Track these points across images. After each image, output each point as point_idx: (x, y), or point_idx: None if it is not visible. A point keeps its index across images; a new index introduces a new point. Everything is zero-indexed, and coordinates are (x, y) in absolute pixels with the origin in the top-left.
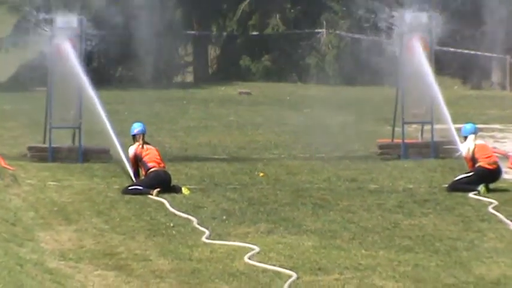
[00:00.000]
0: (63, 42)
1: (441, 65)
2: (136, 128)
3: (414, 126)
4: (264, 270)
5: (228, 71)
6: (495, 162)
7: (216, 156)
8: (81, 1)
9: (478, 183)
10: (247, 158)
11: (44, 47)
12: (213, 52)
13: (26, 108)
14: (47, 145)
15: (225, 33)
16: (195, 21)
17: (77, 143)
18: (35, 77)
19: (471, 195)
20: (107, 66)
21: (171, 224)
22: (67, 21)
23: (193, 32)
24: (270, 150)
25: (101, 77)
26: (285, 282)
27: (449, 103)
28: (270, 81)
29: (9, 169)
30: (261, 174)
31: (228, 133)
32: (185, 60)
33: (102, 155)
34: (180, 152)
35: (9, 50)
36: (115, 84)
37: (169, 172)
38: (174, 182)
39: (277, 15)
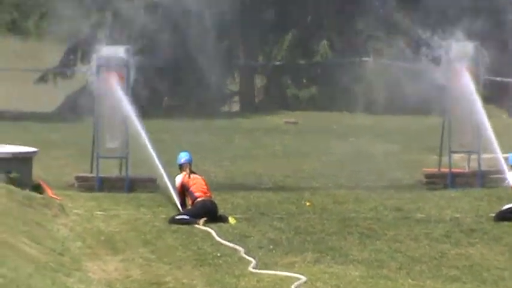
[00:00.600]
0: (110, 72)
1: (488, 94)
2: (183, 157)
3: (461, 155)
4: None
5: (275, 100)
6: None
7: (262, 186)
8: (128, 31)
9: None
10: (294, 187)
11: (91, 77)
12: (259, 81)
13: (73, 138)
14: (94, 175)
15: (271, 63)
16: (242, 50)
17: (123, 173)
18: (82, 107)
19: None
20: (153, 96)
21: (218, 254)
22: (114, 50)
23: (240, 61)
24: (316, 179)
25: (147, 107)
26: None
27: (497, 132)
28: (316, 110)
29: (56, 199)
30: (308, 203)
31: (273, 162)
32: (232, 90)
33: (148, 184)
34: (226, 181)
35: (56, 80)
36: (161, 113)
37: (216, 201)
38: (220, 211)
39: (325, 44)
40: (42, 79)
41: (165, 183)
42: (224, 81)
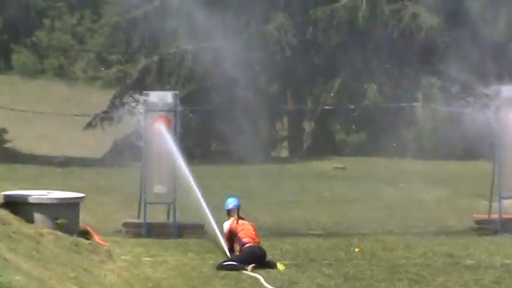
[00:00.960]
0: (157, 118)
1: None
2: (231, 203)
3: (511, 201)
4: None
5: (323, 145)
6: None
7: (310, 231)
8: (176, 77)
9: None
10: (342, 233)
11: (138, 123)
12: (308, 126)
13: (121, 184)
14: (141, 220)
15: (320, 107)
16: (290, 95)
17: (171, 219)
18: (129, 153)
19: None
20: (202, 141)
21: None
22: (161, 96)
23: (288, 106)
24: (365, 225)
25: (195, 152)
26: None
27: None
28: (364, 156)
29: (104, 245)
30: (357, 249)
31: (322, 208)
32: (281, 135)
33: (196, 230)
34: (275, 227)
35: (104, 126)
36: (209, 158)
37: (264, 247)
38: (268, 257)
39: (374, 89)
40: (90, 124)
41: (213, 228)
42: (273, 126)
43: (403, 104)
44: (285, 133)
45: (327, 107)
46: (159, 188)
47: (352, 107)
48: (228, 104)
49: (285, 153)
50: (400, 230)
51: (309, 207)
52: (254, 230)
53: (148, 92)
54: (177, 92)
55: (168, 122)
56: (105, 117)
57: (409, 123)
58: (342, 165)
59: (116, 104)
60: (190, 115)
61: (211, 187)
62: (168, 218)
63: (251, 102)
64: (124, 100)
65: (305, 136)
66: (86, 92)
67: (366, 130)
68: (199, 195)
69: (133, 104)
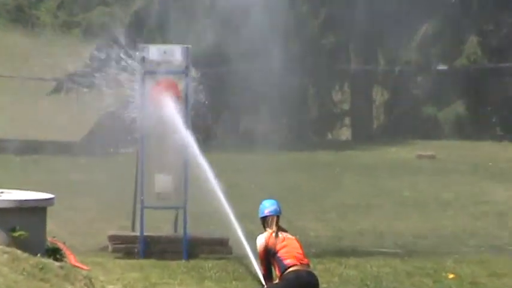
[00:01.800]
0: (160, 85)
1: None
2: (267, 208)
3: None
4: None
5: (402, 124)
6: None
7: (384, 249)
8: (186, 27)
9: None
10: (430, 252)
11: (132, 92)
12: (379, 96)
13: (107, 179)
14: (136, 233)
15: (397, 69)
16: (354, 50)
17: (180, 230)
18: (119, 135)
19: None
20: (221, 121)
21: None
22: (166, 51)
23: (349, 67)
24: (463, 240)
25: (211, 136)
26: None
27: None
28: (463, 139)
29: (82, 268)
30: (451, 275)
31: (401, 215)
32: (340, 108)
33: (216, 247)
34: (332, 243)
35: (81, 94)
36: (235, 141)
37: (316, 273)
38: (322, 286)
39: (475, 41)
40: (60, 90)
41: (242, 245)
42: (328, 95)
43: None
44: (346, 106)
45: (407, 68)
46: (162, 186)
47: (444, 67)
48: (257, 64)
49: (345, 134)
50: None
51: (382, 214)
52: (301, 248)
53: (146, 45)
54: (190, 46)
55: (175, 90)
56: (83, 82)
57: None
58: (429, 153)
59: (98, 62)
60: (207, 80)
61: (237, 185)
62: (175, 229)
63: (295, 61)
64: (111, 57)
65: (376, 110)
66: (55, 46)
67: (464, 101)
68: (220, 196)
69: (124, 63)
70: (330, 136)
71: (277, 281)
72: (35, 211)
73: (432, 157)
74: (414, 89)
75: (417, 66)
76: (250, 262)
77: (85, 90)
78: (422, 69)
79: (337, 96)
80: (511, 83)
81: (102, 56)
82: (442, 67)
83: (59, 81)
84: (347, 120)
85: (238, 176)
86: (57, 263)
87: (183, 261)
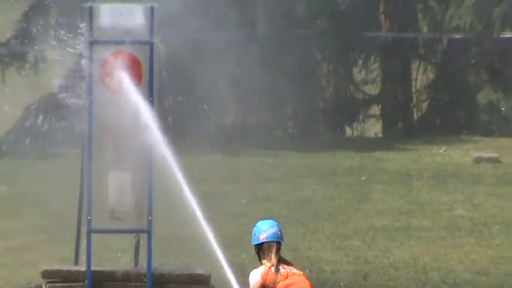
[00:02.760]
0: (117, 56)
1: None
2: (264, 231)
3: None
4: None
5: (453, 115)
6: None
7: None
8: None
9: None
10: None
11: (75, 68)
12: (420, 76)
13: (40, 192)
14: (81, 268)
15: (445, 37)
16: (386, 13)
17: (143, 263)
18: (54, 132)
19: None
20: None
21: None
22: (122, 12)
23: (381, 36)
24: None
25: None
26: None
27: None
28: None
29: None
30: None
31: (452, 242)
32: (366, 94)
33: (194, 286)
34: (355, 281)
35: (5, 73)
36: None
37: None
38: None
39: None
40: None
41: (229, 283)
42: (347, 73)
43: None
44: (373, 90)
45: (455, 36)
46: (118, 201)
47: (508, 34)
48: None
49: (374, 129)
50: None
51: (423, 241)
52: (311, 287)
53: (95, 4)
54: (155, 5)
55: (135, 66)
56: (9, 57)
57: None
58: (491, 154)
59: (27, 30)
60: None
61: (224, 199)
62: (136, 261)
63: (301, 25)
64: (47, 21)
65: (416, 96)
66: None
67: None
68: (199, 215)
69: (63, 31)
70: (350, 132)
71: None
72: None
73: (495, 160)
74: (469, 67)
75: (473, 33)
76: None
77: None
78: (480, 37)
79: (360, 76)
80: None
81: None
82: (508, 34)
83: None
84: (375, 110)
85: (224, 186)
86: None
87: None
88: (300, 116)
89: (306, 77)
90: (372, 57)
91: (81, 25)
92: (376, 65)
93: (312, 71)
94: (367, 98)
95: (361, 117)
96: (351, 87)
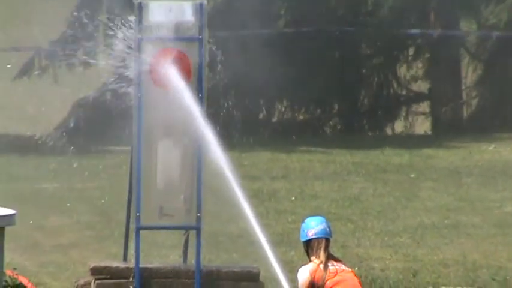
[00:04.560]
0: (165, 53)
1: None
2: (313, 228)
3: None
4: None
5: (504, 112)
6: None
7: None
8: None
9: None
10: None
11: (124, 66)
12: (470, 73)
13: (87, 189)
14: (130, 264)
15: (495, 34)
16: (435, 8)
17: (191, 260)
18: (103, 129)
19: None
20: (242, 105)
21: None
22: (172, 9)
23: (429, 32)
24: None
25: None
26: None
27: None
28: None
29: None
30: None
31: (502, 240)
32: (411, 90)
33: (243, 284)
34: (404, 278)
35: (54, 73)
36: (271, 131)
37: None
38: None
39: None
40: (26, 72)
41: (278, 280)
42: (391, 71)
43: None
44: (424, 86)
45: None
46: (167, 197)
47: None
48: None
49: (424, 126)
50: None
51: (475, 238)
52: (360, 285)
53: (144, 1)
54: (205, 2)
55: (185, 64)
56: (54, 56)
57: None
58: None
59: (77, 28)
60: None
61: (274, 194)
62: (185, 258)
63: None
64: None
65: (466, 93)
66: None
67: None
68: (248, 212)
69: (113, 27)
70: (399, 129)
71: None
72: None
73: None
74: None
75: None
76: None
77: (61, 67)
78: None
79: (409, 73)
80: None
81: (85, 20)
82: None
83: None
84: (424, 107)
85: (273, 183)
86: None
87: None
88: (346, 113)
89: (352, 73)
90: (420, 54)
91: (130, 22)
92: (424, 62)
93: (357, 68)
94: (413, 95)
95: (409, 115)
96: (396, 84)
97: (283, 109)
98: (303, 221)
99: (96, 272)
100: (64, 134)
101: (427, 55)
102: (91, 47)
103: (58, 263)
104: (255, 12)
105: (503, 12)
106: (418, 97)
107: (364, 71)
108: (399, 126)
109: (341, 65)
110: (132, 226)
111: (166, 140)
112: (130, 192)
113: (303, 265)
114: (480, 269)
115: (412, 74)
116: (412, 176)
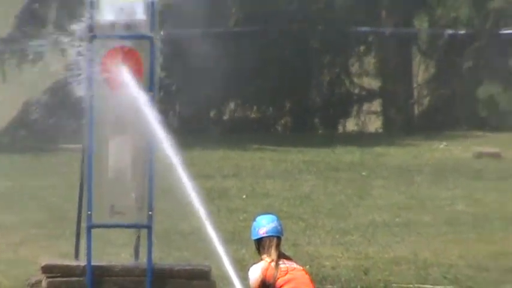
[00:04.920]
0: (114, 53)
1: None
2: (264, 226)
3: None
4: None
5: (454, 110)
6: None
7: (427, 286)
8: None
9: None
10: None
11: (73, 66)
12: (422, 71)
13: (38, 187)
14: (81, 263)
15: (447, 32)
16: (386, 7)
17: (143, 258)
18: (54, 127)
19: None
20: (201, 103)
21: None
22: (123, 7)
23: (381, 30)
24: None
25: (185, 123)
26: None
27: None
28: None
29: None
30: None
31: (453, 238)
32: (363, 88)
33: (193, 282)
34: (356, 276)
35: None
36: (221, 129)
37: None
38: None
39: None
40: None
41: (229, 279)
42: (343, 68)
43: None
44: (376, 84)
45: (458, 31)
46: (118, 195)
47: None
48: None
49: (375, 124)
50: None
51: (426, 236)
52: (311, 283)
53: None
54: (156, 1)
55: (136, 62)
56: (8, 53)
57: None
58: (493, 150)
59: (27, 25)
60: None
61: (225, 193)
62: (136, 256)
63: (293, 15)
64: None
65: (417, 91)
66: None
67: None
68: (200, 209)
69: (64, 26)
70: (346, 127)
71: None
72: None
73: (497, 155)
74: (470, 61)
75: (474, 29)
76: None
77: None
78: (480, 33)
79: (359, 71)
80: None
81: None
82: (507, 29)
83: None
84: (376, 105)
85: (225, 182)
86: None
87: None
88: (297, 111)
89: (303, 71)
90: (371, 52)
91: (81, 19)
92: (374, 60)
93: (308, 65)
94: (365, 93)
95: (360, 113)
96: (348, 82)
97: (234, 107)
98: (254, 219)
99: (47, 270)
100: (15, 132)
101: (379, 53)
102: (42, 45)
103: (9, 261)
104: (206, 11)
105: (455, 11)
106: (370, 95)
107: (315, 69)
108: (351, 124)
109: (292, 63)
110: (84, 224)
111: (117, 138)
112: (81, 190)
113: (254, 263)
114: (431, 266)
115: (364, 72)
116: (364, 174)
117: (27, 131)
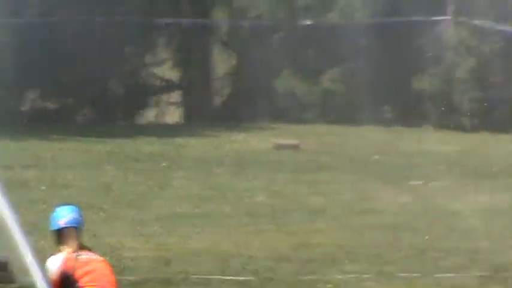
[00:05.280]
0: None
1: None
2: (63, 217)
3: None
4: None
5: (254, 101)
6: None
7: (228, 277)
8: None
9: None
10: (294, 281)
11: None
12: (222, 62)
13: None
14: None
15: (247, 23)
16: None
17: None
18: None
19: None
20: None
21: None
22: None
23: (180, 22)
24: (339, 263)
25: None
26: None
27: None
28: (338, 123)
29: None
30: None
31: (253, 229)
32: (162, 79)
33: (0, 273)
34: (156, 268)
35: None
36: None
37: None
38: None
39: None
40: None
41: (29, 270)
42: (140, 61)
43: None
44: (175, 75)
45: (260, 22)
46: None
47: (309, 22)
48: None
49: (175, 116)
50: (411, 275)
51: (224, 228)
52: (112, 274)
53: None
54: None
55: None
56: None
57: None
58: (292, 141)
59: None
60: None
61: (23, 185)
62: None
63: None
64: None
65: (219, 83)
66: None
67: (340, 70)
68: (1, 202)
69: None
70: (145, 117)
71: None
72: None
73: (295, 147)
74: (270, 53)
75: (274, 20)
76: None
77: None
78: (281, 24)
79: (158, 62)
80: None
81: None
82: (309, 21)
83: None
84: (176, 96)
85: (25, 172)
86: None
87: None
88: (97, 102)
89: (103, 62)
90: (171, 43)
91: None
92: (174, 51)
93: (109, 56)
94: (164, 84)
95: (160, 104)
96: (147, 73)
97: (34, 98)
98: (54, 210)
99: None
100: None
101: (178, 44)
102: None
103: None
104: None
105: (256, 2)
106: (169, 86)
107: (115, 60)
108: (150, 115)
109: (92, 54)
110: None
111: None
112: None
113: (52, 255)
114: (231, 258)
115: (163, 63)
116: (164, 165)
117: None
